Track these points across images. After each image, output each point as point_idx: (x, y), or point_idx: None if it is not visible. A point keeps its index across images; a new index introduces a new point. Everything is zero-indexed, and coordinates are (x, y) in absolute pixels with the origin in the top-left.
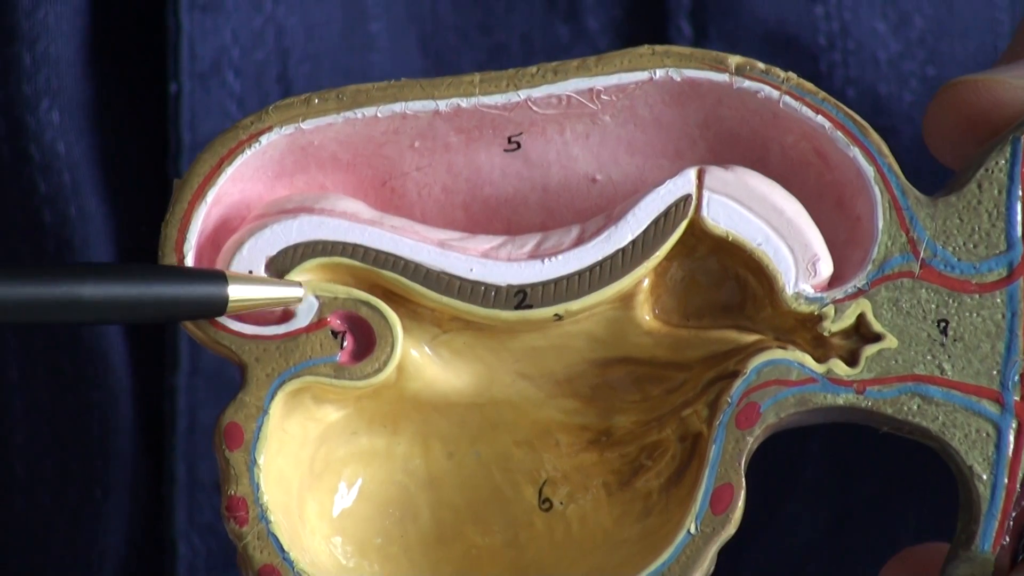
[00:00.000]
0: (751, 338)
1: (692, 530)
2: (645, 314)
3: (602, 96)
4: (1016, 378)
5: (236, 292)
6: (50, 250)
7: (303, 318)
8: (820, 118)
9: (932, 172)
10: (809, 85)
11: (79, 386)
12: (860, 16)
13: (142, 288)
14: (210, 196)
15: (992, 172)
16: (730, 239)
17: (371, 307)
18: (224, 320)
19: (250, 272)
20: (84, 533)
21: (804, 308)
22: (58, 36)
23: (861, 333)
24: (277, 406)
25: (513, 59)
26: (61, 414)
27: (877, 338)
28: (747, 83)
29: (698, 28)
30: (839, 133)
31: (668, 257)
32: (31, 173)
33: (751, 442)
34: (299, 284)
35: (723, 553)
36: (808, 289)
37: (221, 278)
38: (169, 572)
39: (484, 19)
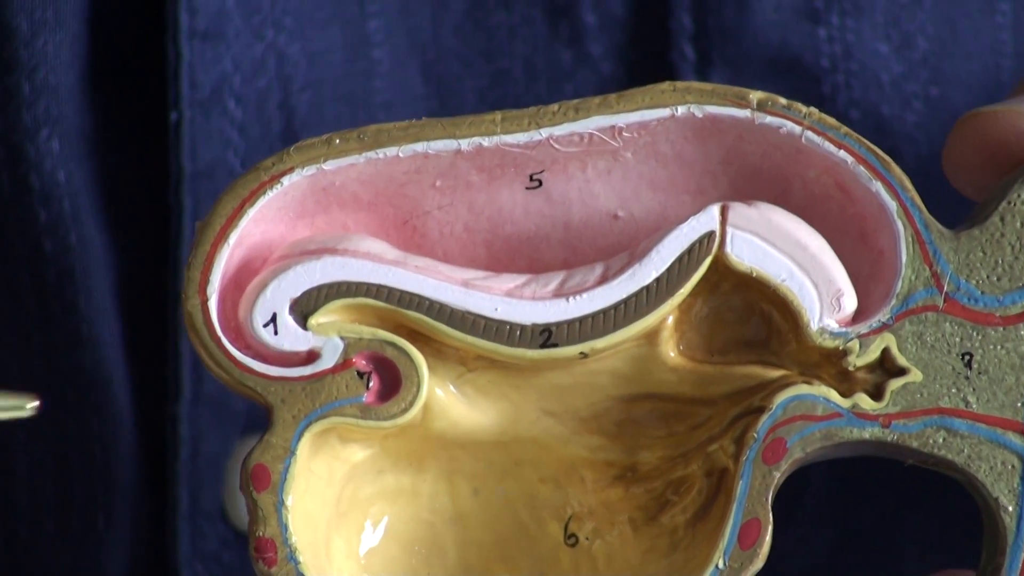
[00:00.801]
0: (776, 373)
1: (720, 565)
2: (670, 350)
3: (624, 133)
4: None
5: None
6: (50, 279)
7: (329, 359)
8: (842, 153)
9: (937, 194)
10: (831, 120)
11: (81, 414)
12: (863, 38)
13: None
14: (232, 238)
15: (1014, 204)
16: (754, 275)
17: (396, 347)
18: (248, 361)
19: (274, 316)
20: (86, 561)
21: (829, 343)
22: (57, 65)
23: (886, 367)
24: (304, 447)
25: (516, 85)
26: (63, 441)
27: (902, 372)
28: (769, 118)
29: (701, 52)
30: (861, 168)
31: (692, 294)
32: (31, 202)
33: (778, 477)
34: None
35: None
36: (833, 324)
37: None
38: None
39: (486, 45)
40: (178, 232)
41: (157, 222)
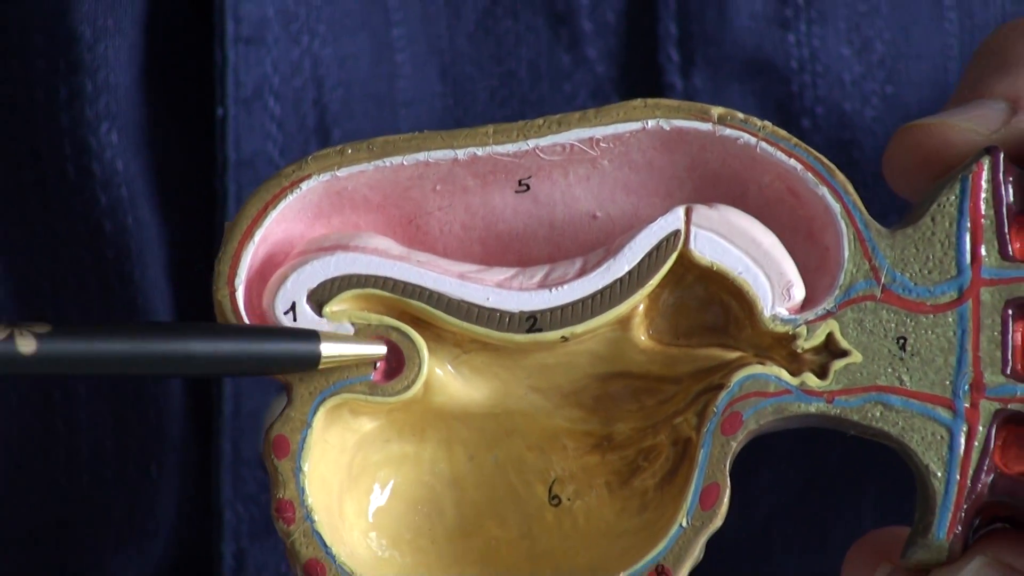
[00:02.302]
0: (734, 355)
1: (684, 524)
2: (640, 335)
3: (601, 144)
4: (966, 387)
5: (328, 350)
6: (109, 255)
7: None
8: (792, 161)
9: (889, 188)
10: (783, 132)
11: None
12: (827, 43)
13: (244, 345)
14: (257, 236)
15: (943, 207)
16: (715, 268)
17: (400, 332)
18: None
19: (293, 304)
20: (142, 505)
21: (780, 328)
22: (116, 67)
23: (830, 349)
24: (319, 420)
25: (521, 84)
26: (121, 400)
27: (844, 354)
28: (728, 131)
29: (685, 55)
30: (809, 174)
31: (660, 285)
32: (93, 187)
33: (735, 447)
34: (382, 344)
35: None
36: (783, 312)
37: (315, 337)
38: (216, 537)
39: (496, 50)
40: (223, 214)
41: (204, 206)
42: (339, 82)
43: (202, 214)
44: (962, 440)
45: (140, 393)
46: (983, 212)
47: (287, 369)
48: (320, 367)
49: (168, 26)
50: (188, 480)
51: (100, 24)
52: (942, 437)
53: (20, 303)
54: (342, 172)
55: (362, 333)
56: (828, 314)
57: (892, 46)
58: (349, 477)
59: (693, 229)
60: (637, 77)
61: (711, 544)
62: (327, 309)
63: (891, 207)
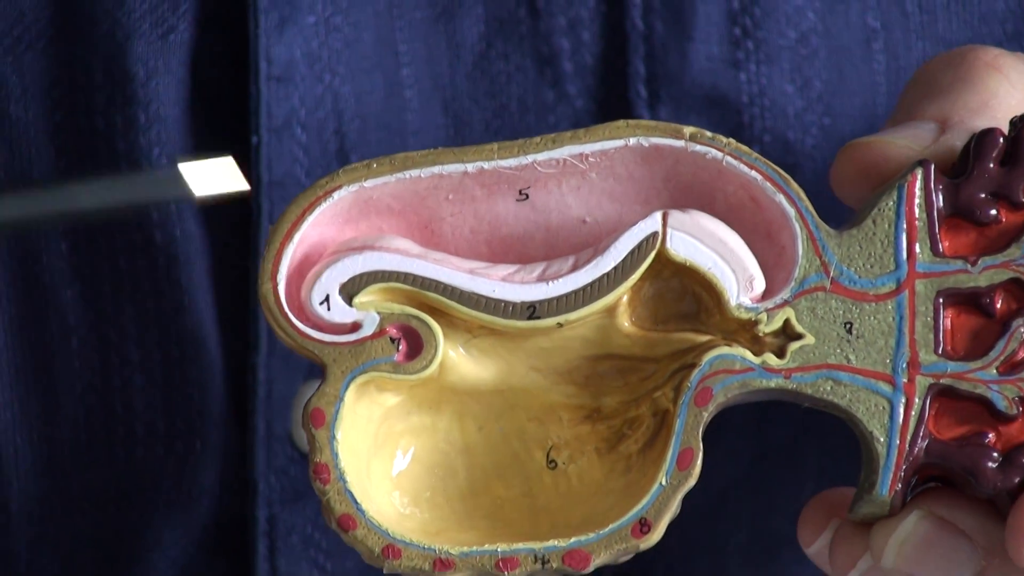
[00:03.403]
0: (705, 338)
1: (663, 483)
2: (625, 321)
3: (589, 158)
4: (904, 365)
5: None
6: (161, 262)
7: (368, 328)
8: (753, 172)
9: (829, 199)
10: (745, 148)
11: (183, 364)
12: (773, 81)
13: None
14: (296, 238)
15: (883, 211)
16: (688, 264)
17: (420, 320)
18: (308, 330)
19: (327, 296)
20: (187, 476)
21: (744, 315)
22: (166, 100)
23: (787, 333)
24: (350, 394)
25: (512, 117)
26: (170, 385)
27: (799, 337)
28: (698, 147)
29: (652, 91)
30: (768, 183)
31: (641, 279)
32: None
33: (706, 416)
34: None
35: None
36: (747, 301)
37: (174, 166)
38: (251, 505)
39: (490, 87)
40: (258, 228)
41: (241, 220)
42: (356, 114)
43: (240, 227)
44: (901, 410)
45: (186, 379)
46: (917, 215)
47: (159, 197)
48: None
49: (210, 66)
50: (228, 454)
51: (151, 65)
52: (884, 408)
53: (85, 304)
54: (368, 183)
55: (386, 320)
56: (785, 303)
57: (829, 84)
58: (375, 444)
59: (669, 231)
60: (610, 110)
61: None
62: (356, 300)
63: (829, 217)
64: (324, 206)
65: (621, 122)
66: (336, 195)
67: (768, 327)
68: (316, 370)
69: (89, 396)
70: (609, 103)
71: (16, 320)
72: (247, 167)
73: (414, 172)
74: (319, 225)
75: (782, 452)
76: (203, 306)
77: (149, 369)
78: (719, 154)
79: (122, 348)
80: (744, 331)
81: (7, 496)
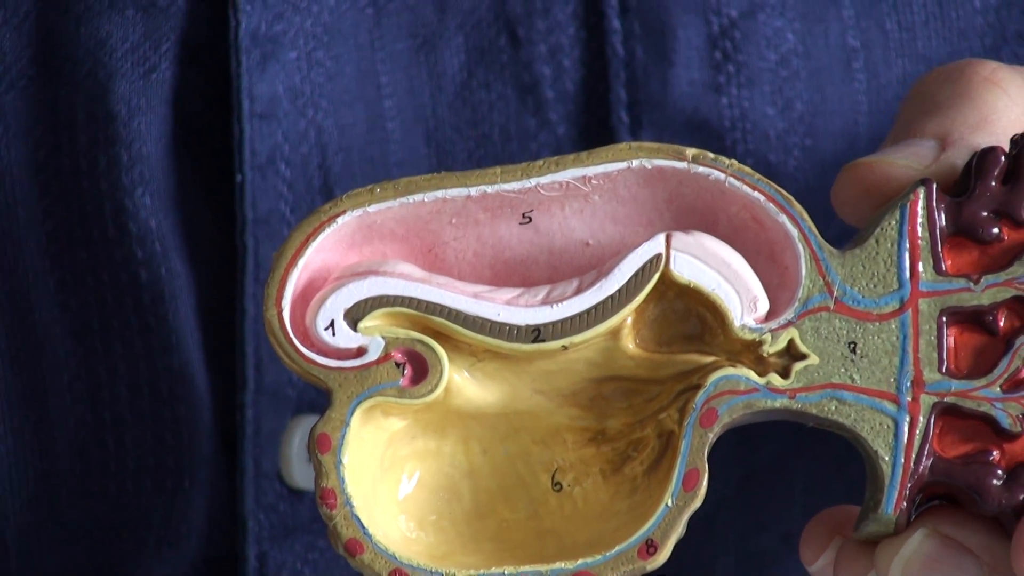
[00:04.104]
0: (709, 359)
1: (669, 504)
2: (629, 343)
3: (592, 181)
4: (908, 384)
5: None
6: (146, 300)
7: (373, 353)
8: (756, 193)
9: (815, 220)
10: (748, 169)
11: (172, 402)
12: (755, 104)
13: None
14: (300, 264)
15: (886, 230)
16: (692, 286)
17: (424, 344)
18: (314, 356)
19: (332, 322)
20: (177, 513)
21: (748, 336)
22: (148, 139)
23: (791, 353)
24: (356, 419)
25: (494, 146)
26: (159, 422)
27: (803, 357)
28: (701, 168)
29: (633, 117)
30: (771, 204)
31: (645, 300)
32: (130, 243)
33: (712, 437)
34: None
35: None
36: (751, 322)
37: None
38: (241, 542)
39: (472, 116)
40: (243, 265)
41: (226, 258)
42: (340, 148)
43: (225, 265)
44: (906, 429)
45: (176, 417)
46: (920, 234)
47: None
48: None
49: (192, 104)
50: (216, 491)
51: (134, 103)
52: (888, 426)
53: (75, 340)
54: (372, 208)
55: (391, 345)
56: (789, 323)
57: (810, 105)
58: (381, 469)
59: (672, 252)
60: (592, 136)
61: None
62: (361, 325)
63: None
64: (328, 232)
65: (624, 144)
66: (340, 220)
67: (772, 347)
68: (304, 406)
69: (82, 431)
70: (591, 129)
71: (7, 353)
72: (232, 205)
73: (417, 197)
74: (323, 251)
75: (768, 472)
76: (190, 344)
77: (138, 406)
78: (722, 175)
79: (112, 384)
80: (748, 352)
81: (2, 528)
